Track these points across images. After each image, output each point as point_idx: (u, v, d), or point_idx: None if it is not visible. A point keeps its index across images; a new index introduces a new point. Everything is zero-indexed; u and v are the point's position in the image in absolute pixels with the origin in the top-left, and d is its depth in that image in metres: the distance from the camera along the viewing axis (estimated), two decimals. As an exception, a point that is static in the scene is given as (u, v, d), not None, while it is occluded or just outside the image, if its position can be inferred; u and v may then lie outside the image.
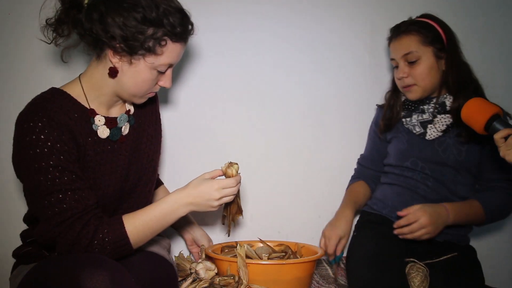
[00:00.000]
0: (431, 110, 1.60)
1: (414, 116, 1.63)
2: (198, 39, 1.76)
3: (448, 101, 1.59)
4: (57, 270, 1.09)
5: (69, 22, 1.18)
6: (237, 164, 1.32)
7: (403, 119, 1.65)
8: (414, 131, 1.62)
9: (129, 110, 1.34)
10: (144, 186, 1.36)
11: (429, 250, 1.54)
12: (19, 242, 1.32)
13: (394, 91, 1.70)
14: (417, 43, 1.56)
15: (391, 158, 1.68)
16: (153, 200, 1.43)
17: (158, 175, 1.64)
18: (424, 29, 1.57)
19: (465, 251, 1.58)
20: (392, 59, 1.63)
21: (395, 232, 1.47)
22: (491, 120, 1.27)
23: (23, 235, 1.32)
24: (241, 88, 1.82)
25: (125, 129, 1.32)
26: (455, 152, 1.57)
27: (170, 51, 1.20)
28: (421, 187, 1.59)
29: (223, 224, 1.42)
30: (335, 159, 1.88)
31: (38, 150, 1.11)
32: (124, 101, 1.32)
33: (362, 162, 1.81)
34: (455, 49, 1.60)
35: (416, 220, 1.43)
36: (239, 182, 1.29)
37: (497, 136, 1.27)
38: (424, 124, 1.60)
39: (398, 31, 1.61)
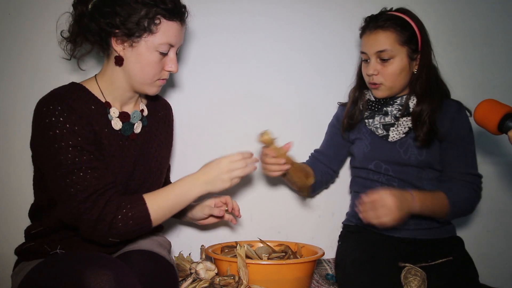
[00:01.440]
0: (395, 112, 1.57)
1: (377, 118, 1.60)
2: (196, 39, 1.77)
3: (412, 103, 1.56)
4: (61, 269, 1.10)
5: (81, 32, 1.28)
6: (266, 130, 1.41)
7: (366, 120, 1.63)
8: (377, 133, 1.61)
9: (143, 110, 1.39)
10: (149, 189, 1.37)
11: (419, 252, 1.54)
12: (21, 240, 1.34)
13: (360, 88, 1.66)
14: (393, 42, 1.50)
15: (356, 160, 1.66)
16: None
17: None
18: (400, 27, 1.51)
19: (453, 243, 1.58)
20: (363, 53, 1.56)
21: (360, 215, 1.39)
22: (504, 119, 1.27)
23: (27, 231, 1.33)
24: (240, 87, 1.83)
25: (137, 127, 1.37)
26: (416, 152, 1.56)
27: (166, 29, 1.26)
28: None
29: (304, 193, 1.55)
30: (335, 160, 1.88)
31: (57, 131, 1.17)
32: (139, 95, 1.38)
33: (316, 155, 1.75)
34: (429, 51, 1.56)
35: (383, 205, 1.35)
36: (247, 157, 1.32)
37: (511, 134, 1.27)
38: (386, 127, 1.59)
39: (375, 25, 1.52)
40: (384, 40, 1.50)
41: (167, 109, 1.52)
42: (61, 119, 1.18)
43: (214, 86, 1.81)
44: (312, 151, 1.78)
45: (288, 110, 1.86)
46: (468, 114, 1.58)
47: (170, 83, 1.76)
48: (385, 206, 1.35)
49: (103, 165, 1.23)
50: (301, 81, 1.87)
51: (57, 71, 1.66)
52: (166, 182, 1.61)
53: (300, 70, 1.87)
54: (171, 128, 1.51)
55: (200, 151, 1.79)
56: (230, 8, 1.80)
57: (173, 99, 1.76)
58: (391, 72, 1.51)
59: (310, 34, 1.86)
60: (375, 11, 1.62)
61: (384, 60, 1.51)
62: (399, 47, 1.51)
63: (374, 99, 1.62)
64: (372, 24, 1.53)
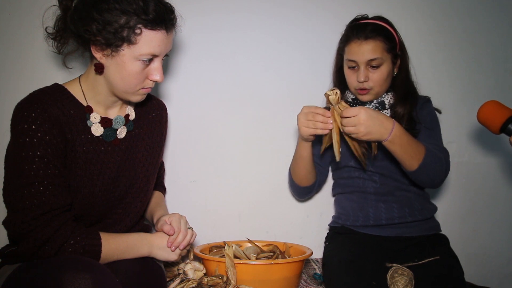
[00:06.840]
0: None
1: None
2: (188, 38, 1.76)
3: (387, 99, 1.62)
4: (40, 274, 1.08)
5: (65, 30, 1.22)
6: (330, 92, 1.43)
7: None
8: None
9: (128, 115, 1.35)
10: (136, 195, 1.37)
11: (405, 252, 1.55)
12: (6, 242, 1.31)
13: (341, 92, 1.67)
14: (382, 50, 1.55)
15: (336, 161, 1.65)
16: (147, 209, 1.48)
17: (165, 189, 1.66)
18: (385, 37, 1.56)
19: (438, 241, 1.60)
20: (351, 60, 1.57)
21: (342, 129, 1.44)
22: (507, 122, 1.33)
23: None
24: (232, 87, 1.83)
25: (121, 133, 1.33)
26: None
27: (148, 39, 1.18)
28: (369, 184, 1.62)
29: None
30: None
31: (27, 139, 1.14)
32: (122, 102, 1.33)
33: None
34: (406, 55, 1.64)
35: (355, 115, 1.41)
36: (176, 245, 1.32)
37: None
38: None
39: (364, 35, 1.55)
40: (375, 49, 1.55)
41: (160, 109, 1.47)
42: (33, 126, 1.14)
43: (206, 84, 1.80)
44: None
45: (280, 107, 1.86)
46: (434, 107, 1.66)
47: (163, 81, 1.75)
48: (355, 117, 1.41)
49: (65, 184, 1.19)
50: (293, 78, 1.87)
51: (55, 69, 1.63)
52: (158, 182, 1.61)
53: (293, 67, 1.87)
54: (164, 128, 1.47)
55: (191, 150, 1.79)
56: (221, 6, 1.79)
57: (165, 98, 1.75)
58: (380, 77, 1.57)
59: (302, 30, 1.86)
60: (367, 4, 1.62)
61: (373, 67, 1.56)
62: (386, 54, 1.57)
63: (351, 100, 1.66)
64: (361, 33, 1.56)
